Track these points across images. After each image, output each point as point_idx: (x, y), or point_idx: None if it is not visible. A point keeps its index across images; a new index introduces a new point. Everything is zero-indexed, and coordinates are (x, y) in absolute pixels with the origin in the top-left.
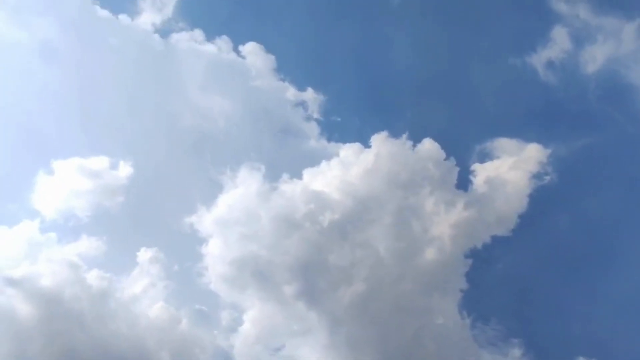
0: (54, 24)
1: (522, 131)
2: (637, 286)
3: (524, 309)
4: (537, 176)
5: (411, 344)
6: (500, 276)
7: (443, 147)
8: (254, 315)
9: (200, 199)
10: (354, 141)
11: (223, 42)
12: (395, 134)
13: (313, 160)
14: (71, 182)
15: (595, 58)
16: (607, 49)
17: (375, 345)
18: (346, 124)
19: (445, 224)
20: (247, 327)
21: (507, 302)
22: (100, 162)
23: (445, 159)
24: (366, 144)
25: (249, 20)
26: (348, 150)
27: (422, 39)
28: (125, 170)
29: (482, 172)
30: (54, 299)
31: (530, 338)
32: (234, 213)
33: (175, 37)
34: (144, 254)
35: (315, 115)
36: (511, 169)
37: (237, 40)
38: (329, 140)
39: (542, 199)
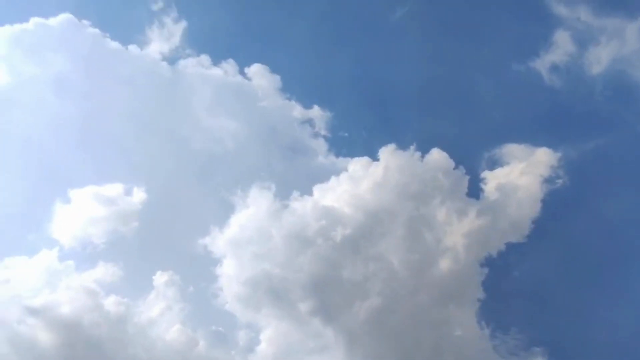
0: (67, 58)
1: (531, 136)
2: None
3: (545, 316)
4: (548, 180)
5: (430, 357)
6: (518, 283)
7: (451, 156)
8: (271, 334)
9: (213, 220)
10: (362, 155)
11: (229, 66)
12: (403, 145)
13: (322, 176)
14: (87, 210)
15: (600, 59)
16: (612, 49)
17: None
18: (353, 139)
19: (458, 233)
20: (264, 346)
21: (526, 310)
22: (114, 189)
23: (454, 168)
24: (374, 157)
25: (253, 43)
26: (357, 165)
27: (424, 51)
28: (138, 195)
29: (492, 180)
30: (73, 326)
31: (554, 346)
32: (247, 233)
33: (182, 63)
34: (160, 278)
35: (323, 132)
36: (522, 174)
37: (243, 63)
38: (337, 155)
39: (556, 203)
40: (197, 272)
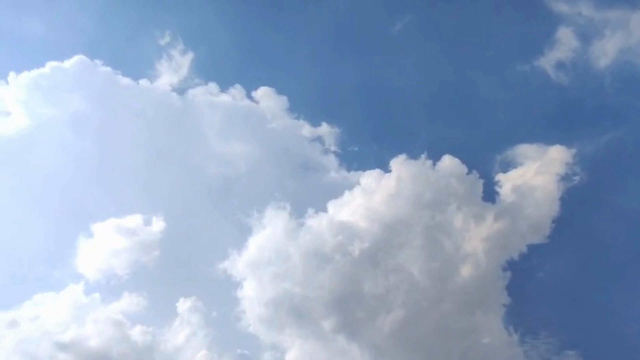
0: (82, 98)
1: (542, 135)
2: None
3: (575, 317)
4: (565, 178)
5: None
6: (543, 286)
7: (463, 161)
8: (296, 353)
9: (231, 244)
10: (374, 168)
11: (236, 91)
12: (413, 155)
13: (336, 191)
14: (110, 242)
15: (605, 52)
16: (617, 41)
17: None
18: (364, 152)
19: (477, 238)
20: None
21: (555, 312)
22: (134, 220)
23: (467, 173)
24: (386, 169)
25: (258, 67)
26: (369, 178)
27: (427, 59)
28: (157, 225)
29: (507, 182)
30: (102, 359)
31: (587, 348)
32: (265, 254)
33: (191, 92)
34: (183, 304)
35: (333, 148)
36: (537, 174)
37: (249, 87)
38: (349, 170)
39: (575, 200)
40: (219, 296)
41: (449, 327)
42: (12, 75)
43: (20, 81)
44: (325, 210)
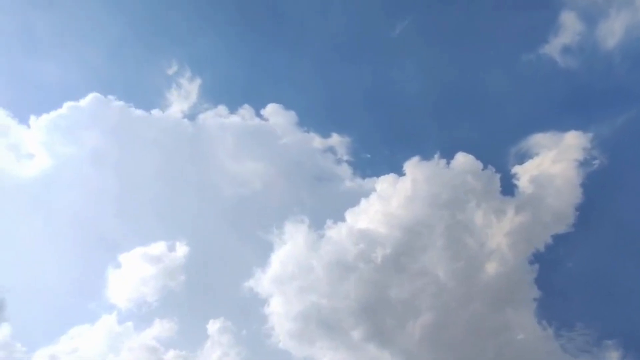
0: (99, 133)
1: (556, 122)
2: None
3: (611, 305)
4: (584, 163)
5: None
6: (574, 275)
7: (478, 157)
8: None
9: (254, 262)
10: (388, 172)
11: (245, 111)
12: (426, 155)
13: (352, 200)
14: (137, 271)
15: (613, 31)
16: (623, 19)
17: None
18: (376, 158)
19: (500, 234)
20: None
21: (589, 303)
22: (158, 248)
23: (483, 169)
24: (400, 173)
25: (264, 85)
26: (384, 183)
27: (430, 60)
28: (181, 250)
29: (524, 173)
30: None
31: (628, 336)
32: (288, 268)
33: (202, 117)
34: (213, 325)
35: (345, 157)
36: (554, 162)
37: (258, 106)
38: (363, 177)
39: (597, 185)
40: (247, 314)
41: (480, 326)
42: (32, 118)
43: (40, 123)
44: (343, 219)
